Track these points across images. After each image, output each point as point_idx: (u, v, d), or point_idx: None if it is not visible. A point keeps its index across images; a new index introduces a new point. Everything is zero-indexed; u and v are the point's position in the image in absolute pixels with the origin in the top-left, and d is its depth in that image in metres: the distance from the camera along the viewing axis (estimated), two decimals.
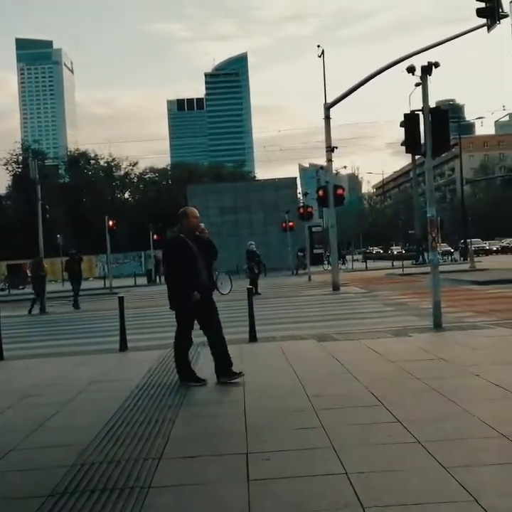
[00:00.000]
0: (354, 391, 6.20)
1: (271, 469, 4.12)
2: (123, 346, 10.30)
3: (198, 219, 7.02)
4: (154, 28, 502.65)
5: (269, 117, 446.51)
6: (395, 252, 65.29)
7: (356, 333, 10.73)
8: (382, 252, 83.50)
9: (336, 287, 23.21)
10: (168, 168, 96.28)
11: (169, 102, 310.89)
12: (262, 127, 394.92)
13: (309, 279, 32.05)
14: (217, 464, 4.32)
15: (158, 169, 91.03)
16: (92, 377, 7.96)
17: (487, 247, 63.59)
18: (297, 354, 8.72)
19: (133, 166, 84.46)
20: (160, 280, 42.65)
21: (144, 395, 6.68)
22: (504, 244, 65.24)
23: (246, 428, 5.14)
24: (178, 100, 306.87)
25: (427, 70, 11.34)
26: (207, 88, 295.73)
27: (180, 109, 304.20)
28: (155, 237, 47.88)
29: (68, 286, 25.65)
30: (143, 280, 42.16)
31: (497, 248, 64.11)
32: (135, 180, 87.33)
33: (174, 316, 7.21)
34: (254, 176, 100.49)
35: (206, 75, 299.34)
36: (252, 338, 10.34)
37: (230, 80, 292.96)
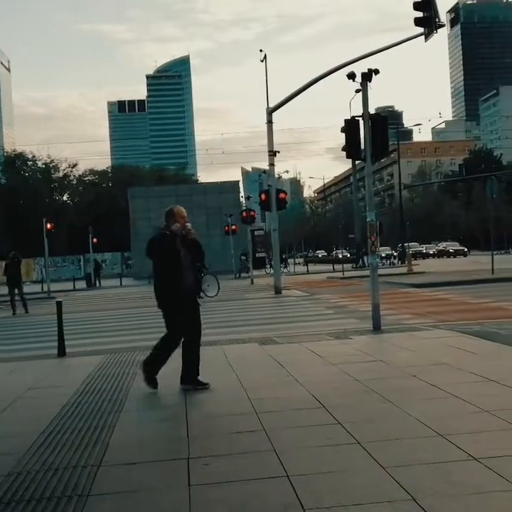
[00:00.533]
0: (295, 393, 6.24)
1: (212, 474, 4.10)
2: (61, 352, 10.08)
3: (184, 219, 6.84)
4: (96, 28, 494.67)
5: (212, 120, 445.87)
6: (340, 256, 66.23)
7: (298, 335, 10.82)
8: (327, 255, 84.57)
9: (278, 291, 23.35)
10: (109, 170, 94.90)
11: (110, 104, 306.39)
12: (205, 130, 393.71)
13: (252, 282, 32.14)
14: (157, 470, 4.28)
15: (98, 171, 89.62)
16: (29, 384, 7.76)
17: (424, 251, 65.24)
18: (239, 358, 8.72)
19: (72, 167, 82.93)
20: (100, 284, 42.00)
21: (83, 400, 6.55)
22: (440, 247, 66.97)
23: (187, 433, 5.10)
24: (119, 102, 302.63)
25: (366, 76, 11.53)
26: (149, 90, 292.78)
27: (122, 110, 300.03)
28: (94, 240, 47.08)
29: (4, 290, 24.90)
30: (82, 284, 41.39)
31: (434, 252, 65.82)
32: (74, 182, 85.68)
33: (161, 318, 6.90)
34: (197, 179, 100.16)
35: (148, 76, 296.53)
36: None
37: (172, 82, 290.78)
